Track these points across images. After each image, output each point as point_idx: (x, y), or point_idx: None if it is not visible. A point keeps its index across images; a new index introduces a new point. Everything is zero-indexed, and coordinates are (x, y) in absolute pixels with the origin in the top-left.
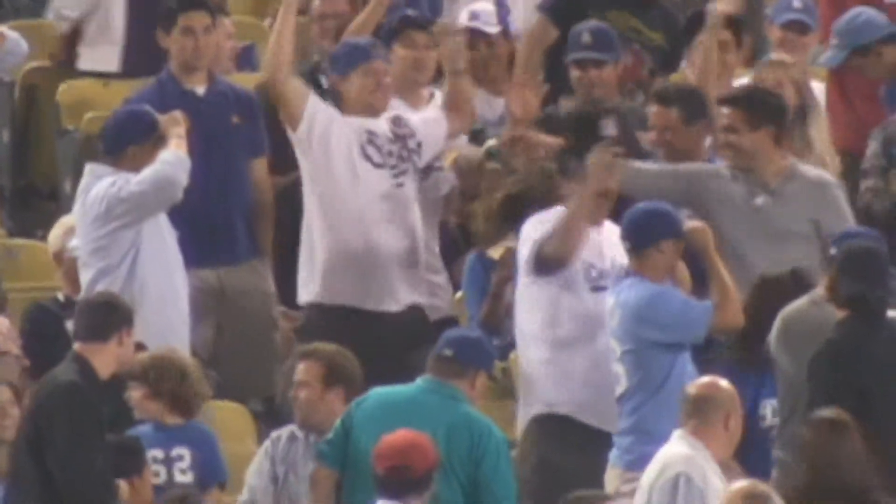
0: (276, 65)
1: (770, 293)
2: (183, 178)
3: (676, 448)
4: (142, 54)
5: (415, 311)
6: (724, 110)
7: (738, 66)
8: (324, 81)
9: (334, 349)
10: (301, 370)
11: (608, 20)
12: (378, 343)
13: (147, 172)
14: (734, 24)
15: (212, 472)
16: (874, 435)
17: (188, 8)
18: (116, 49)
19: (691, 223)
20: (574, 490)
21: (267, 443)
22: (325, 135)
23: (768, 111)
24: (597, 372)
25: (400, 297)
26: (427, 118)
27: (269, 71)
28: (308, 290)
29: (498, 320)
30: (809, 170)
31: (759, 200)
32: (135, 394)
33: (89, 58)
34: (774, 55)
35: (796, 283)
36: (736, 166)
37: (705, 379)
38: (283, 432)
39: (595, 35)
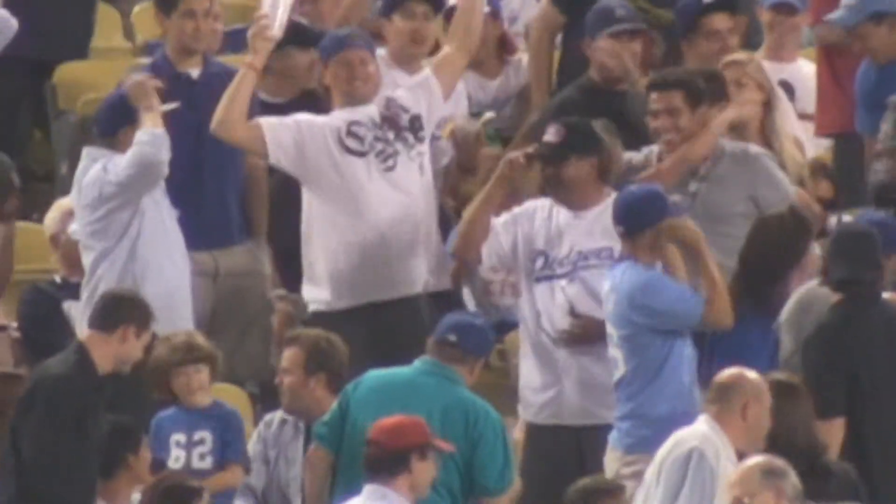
0: (222, 123)
1: (771, 229)
2: (163, 154)
3: (695, 427)
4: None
5: (421, 300)
6: (654, 95)
7: (736, 49)
8: None
9: (318, 335)
10: (285, 357)
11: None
12: (394, 329)
13: (127, 157)
14: (732, 7)
15: (229, 453)
16: (864, 418)
17: None
18: None
19: (678, 220)
20: (572, 480)
21: (260, 425)
22: (298, 152)
23: (703, 92)
24: (552, 368)
25: (408, 280)
26: (413, 86)
27: (215, 128)
28: (314, 296)
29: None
30: (732, 145)
31: (693, 187)
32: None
33: None
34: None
35: (794, 218)
36: (670, 151)
37: (735, 368)
38: (276, 416)
39: (626, 8)
